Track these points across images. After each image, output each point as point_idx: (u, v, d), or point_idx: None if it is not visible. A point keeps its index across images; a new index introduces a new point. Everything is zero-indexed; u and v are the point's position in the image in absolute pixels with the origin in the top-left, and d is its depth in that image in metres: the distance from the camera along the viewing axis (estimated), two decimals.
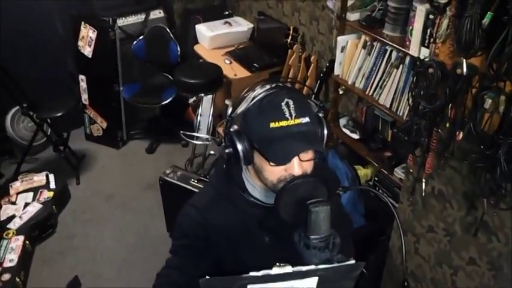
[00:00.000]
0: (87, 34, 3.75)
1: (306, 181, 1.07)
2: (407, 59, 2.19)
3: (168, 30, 3.92)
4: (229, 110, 1.19)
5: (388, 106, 2.33)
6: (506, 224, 1.72)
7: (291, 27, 3.31)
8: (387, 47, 2.30)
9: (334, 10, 2.45)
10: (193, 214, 1.26)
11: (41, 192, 3.37)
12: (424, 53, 1.98)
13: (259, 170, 1.15)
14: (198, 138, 3.67)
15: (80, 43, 3.81)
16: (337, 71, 2.64)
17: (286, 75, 3.39)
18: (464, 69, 1.61)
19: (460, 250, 1.96)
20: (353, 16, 2.44)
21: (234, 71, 3.55)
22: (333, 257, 1.02)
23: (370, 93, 2.43)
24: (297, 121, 1.08)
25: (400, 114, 2.27)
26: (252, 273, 0.86)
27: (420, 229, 2.13)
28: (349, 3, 2.45)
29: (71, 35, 3.85)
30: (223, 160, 1.31)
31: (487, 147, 1.60)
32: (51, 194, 3.37)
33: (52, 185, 3.44)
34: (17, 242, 2.98)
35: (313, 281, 0.90)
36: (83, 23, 3.73)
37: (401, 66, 2.24)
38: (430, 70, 1.74)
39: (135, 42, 3.89)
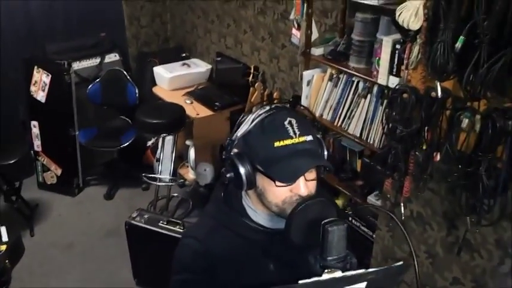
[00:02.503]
0: (41, 78, 3.62)
1: (318, 201, 1.05)
2: (375, 88, 2.27)
3: (125, 72, 3.87)
4: (230, 139, 1.17)
5: (358, 135, 2.38)
6: (488, 240, 1.77)
7: (252, 66, 3.37)
8: (354, 78, 2.38)
9: (299, 46, 2.52)
10: (194, 245, 1.19)
11: None
12: (393, 81, 2.06)
13: (262, 194, 1.12)
14: (160, 180, 3.58)
15: (33, 88, 3.67)
16: (304, 104, 2.68)
17: (249, 112, 3.40)
18: (439, 93, 1.69)
19: (443, 271, 1.98)
20: (317, 51, 2.52)
21: (196, 110, 3.53)
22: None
23: (339, 124, 2.48)
24: (302, 139, 1.07)
25: (371, 142, 2.32)
26: (301, 281, 0.84)
27: (401, 254, 2.15)
28: (312, 39, 2.54)
29: (22, 80, 3.70)
30: (219, 189, 1.28)
31: (466, 166, 1.66)
32: (3, 247, 3.09)
33: (4, 238, 3.17)
34: None
35: (362, 286, 0.87)
36: (36, 67, 3.61)
37: (369, 95, 2.32)
38: (405, 95, 1.81)
39: (90, 86, 3.81)
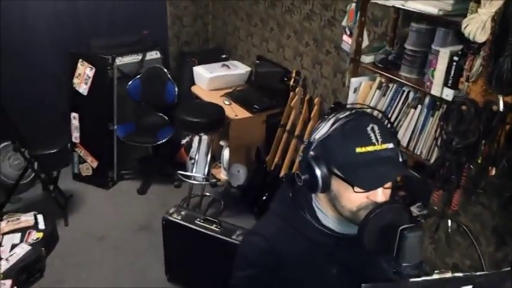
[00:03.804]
0: (84, 72, 3.69)
1: (393, 207, 1.05)
2: (427, 99, 2.25)
3: (165, 70, 3.92)
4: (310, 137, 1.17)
5: (404, 145, 2.37)
6: None
7: (294, 71, 3.37)
8: (404, 88, 2.36)
9: (349, 52, 2.52)
10: (260, 243, 1.20)
11: (29, 233, 3.17)
12: (447, 93, 2.04)
13: (336, 198, 1.12)
14: (194, 178, 3.61)
15: (76, 80, 3.74)
16: None
17: (287, 117, 3.42)
18: (501, 106, 1.67)
19: None
20: (367, 59, 2.51)
21: (234, 111, 3.55)
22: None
23: None
24: (384, 146, 1.07)
25: (418, 153, 2.30)
26: (412, 280, 0.87)
27: (444, 267, 2.12)
28: (362, 46, 2.53)
29: (66, 72, 3.79)
30: (287, 189, 1.28)
31: None
32: (40, 235, 3.18)
33: (41, 226, 3.25)
34: (4, 287, 2.76)
35: None
36: (80, 60, 3.68)
37: (419, 106, 2.30)
38: (463, 107, 1.80)
39: (130, 82, 3.87)
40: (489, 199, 1.83)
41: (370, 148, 1.06)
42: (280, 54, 3.69)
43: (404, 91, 2.38)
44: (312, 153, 1.13)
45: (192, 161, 4.00)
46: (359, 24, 2.46)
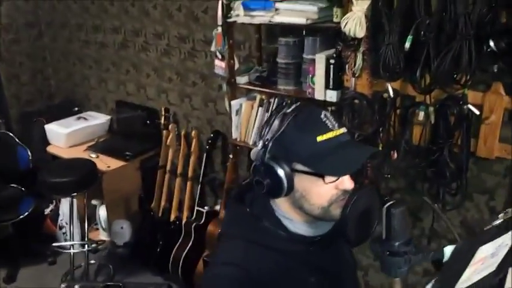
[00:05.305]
0: None
1: (369, 189, 1.02)
2: None
3: (12, 135, 3.43)
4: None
5: None
6: (454, 224, 1.89)
7: (163, 108, 3.24)
8: (286, 100, 2.42)
9: (225, 76, 2.51)
10: (233, 273, 1.03)
11: None
12: (330, 94, 2.13)
13: (303, 197, 1.04)
14: (73, 246, 3.18)
15: None
16: (234, 135, 2.64)
17: (165, 157, 3.25)
18: (391, 93, 1.80)
19: (413, 267, 2.04)
20: (243, 79, 2.52)
21: (105, 163, 3.25)
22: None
23: None
24: (341, 131, 1.04)
25: None
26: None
27: (367, 260, 2.18)
28: (235, 68, 2.55)
29: None
30: (237, 206, 1.16)
31: (427, 157, 1.78)
32: None
33: None
34: None
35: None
36: None
37: None
38: (356, 101, 1.90)
39: None
40: (397, 182, 1.94)
41: (330, 134, 1.01)
42: (142, 94, 3.52)
43: (287, 102, 2.43)
44: (268, 155, 1.04)
45: (63, 229, 3.54)
46: (228, 47, 2.48)
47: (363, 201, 1.00)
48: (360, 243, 1.03)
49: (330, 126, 1.02)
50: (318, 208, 1.04)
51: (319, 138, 1.00)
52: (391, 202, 0.98)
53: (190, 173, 3.14)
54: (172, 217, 3.19)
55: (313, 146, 1.00)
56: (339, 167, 1.00)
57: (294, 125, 1.03)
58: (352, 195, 0.99)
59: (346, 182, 1.03)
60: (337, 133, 1.02)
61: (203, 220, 2.97)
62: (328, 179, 1.01)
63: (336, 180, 1.02)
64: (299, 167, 1.02)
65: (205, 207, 3.04)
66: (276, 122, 1.05)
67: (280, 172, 1.01)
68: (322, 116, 1.03)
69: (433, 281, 0.95)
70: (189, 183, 3.14)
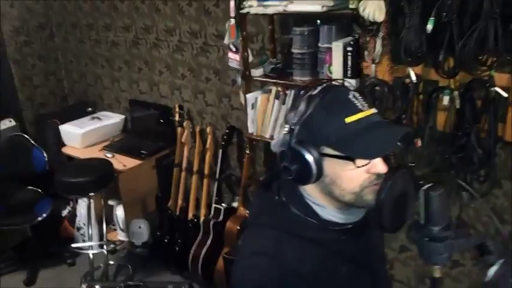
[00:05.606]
0: None
1: (404, 172, 0.96)
2: None
3: (28, 137, 3.43)
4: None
5: None
6: (481, 212, 1.82)
7: (176, 105, 3.21)
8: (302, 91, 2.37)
9: (239, 68, 2.47)
10: (265, 263, 0.99)
11: None
12: (349, 83, 2.09)
13: (333, 182, 0.99)
14: (92, 247, 3.17)
15: None
16: (250, 129, 2.60)
17: (180, 154, 3.22)
18: (414, 78, 1.74)
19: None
20: (258, 72, 2.48)
21: (121, 162, 3.23)
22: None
23: None
24: (371, 111, 0.99)
25: None
26: None
27: (392, 253, 2.12)
28: (249, 61, 2.50)
29: None
30: (265, 194, 1.12)
31: (453, 143, 1.72)
32: None
33: None
34: None
35: None
36: None
37: None
38: (377, 88, 1.84)
39: None
40: (422, 171, 1.88)
41: (359, 115, 0.96)
42: (155, 92, 3.49)
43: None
44: (295, 139, 0.99)
45: (81, 230, 3.54)
46: (242, 39, 2.43)
47: (398, 186, 0.94)
48: (395, 230, 0.98)
49: (359, 107, 0.97)
50: (349, 193, 0.99)
51: (348, 120, 0.95)
52: (430, 185, 0.93)
53: (206, 170, 3.10)
54: (190, 215, 3.16)
55: (341, 128, 0.95)
56: (371, 149, 0.94)
57: (320, 107, 0.98)
58: (387, 179, 0.94)
59: (379, 165, 0.97)
60: (367, 113, 0.97)
61: (221, 217, 2.94)
62: (359, 162, 0.96)
63: (368, 163, 0.97)
64: (328, 150, 0.97)
65: (223, 204, 3.00)
66: (302, 105, 1.01)
67: (309, 157, 0.96)
68: (351, 96, 0.99)
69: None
70: (205, 181, 3.10)
